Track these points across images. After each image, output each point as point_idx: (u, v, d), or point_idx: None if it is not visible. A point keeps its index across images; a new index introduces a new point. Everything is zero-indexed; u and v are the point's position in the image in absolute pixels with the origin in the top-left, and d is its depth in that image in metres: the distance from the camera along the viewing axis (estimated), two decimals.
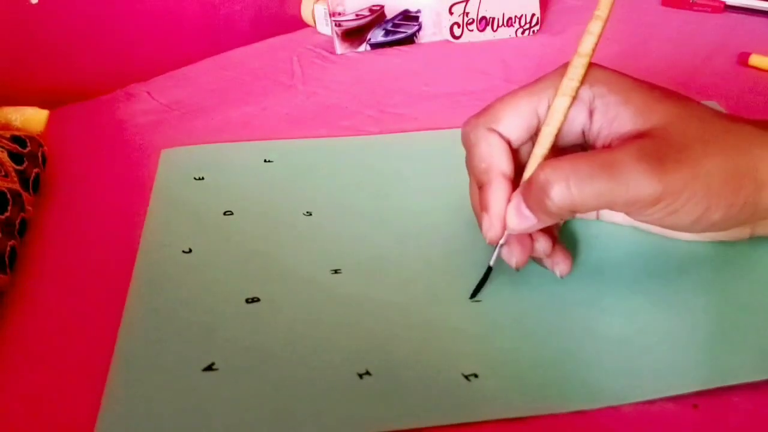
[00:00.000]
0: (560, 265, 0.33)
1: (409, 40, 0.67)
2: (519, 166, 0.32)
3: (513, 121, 0.32)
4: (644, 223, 0.31)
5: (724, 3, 0.73)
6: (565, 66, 0.31)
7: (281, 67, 0.62)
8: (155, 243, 0.37)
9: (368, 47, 0.66)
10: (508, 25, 0.67)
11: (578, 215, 0.32)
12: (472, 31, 0.67)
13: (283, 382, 0.29)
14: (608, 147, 0.30)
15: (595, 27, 0.30)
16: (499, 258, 0.33)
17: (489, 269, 0.33)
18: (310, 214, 0.40)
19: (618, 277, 0.34)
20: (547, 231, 0.32)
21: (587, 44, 0.30)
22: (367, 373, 0.29)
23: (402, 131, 0.49)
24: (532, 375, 0.29)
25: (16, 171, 0.38)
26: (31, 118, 0.43)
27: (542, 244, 0.32)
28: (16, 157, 0.39)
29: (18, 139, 0.40)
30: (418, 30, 0.67)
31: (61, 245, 0.38)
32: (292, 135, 0.49)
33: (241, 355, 0.30)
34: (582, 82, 0.31)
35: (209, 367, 0.29)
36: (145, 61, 0.60)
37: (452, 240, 0.37)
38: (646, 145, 0.28)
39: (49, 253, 0.37)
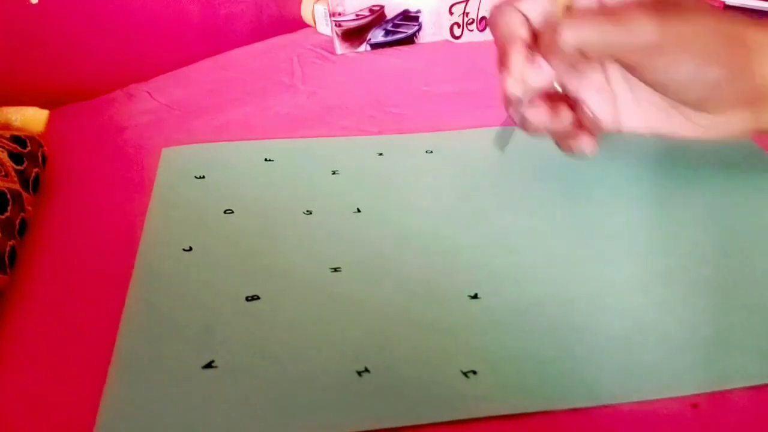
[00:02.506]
0: (585, 141, 0.36)
1: (409, 40, 0.67)
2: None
3: (532, 3, 0.35)
4: (648, 83, 0.34)
5: (724, 3, 0.73)
6: None
7: (281, 67, 0.62)
8: (156, 241, 0.37)
9: (368, 47, 0.66)
10: None
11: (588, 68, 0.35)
12: (472, 31, 0.67)
13: (282, 380, 0.29)
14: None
15: None
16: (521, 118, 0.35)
17: (512, 122, 0.36)
18: (310, 213, 0.40)
19: (618, 276, 0.34)
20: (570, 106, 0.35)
21: None
22: (366, 370, 0.29)
23: (402, 131, 0.49)
24: (531, 372, 0.29)
25: (16, 171, 0.38)
26: (31, 118, 0.43)
27: (565, 114, 0.35)
28: (16, 157, 0.39)
29: (18, 139, 0.40)
30: (418, 30, 0.67)
31: (61, 245, 0.38)
32: (292, 135, 0.49)
33: (241, 352, 0.30)
34: None
35: (209, 365, 0.29)
36: (145, 61, 0.60)
37: (452, 239, 0.37)
38: (647, 1, 0.32)
39: (49, 253, 0.37)
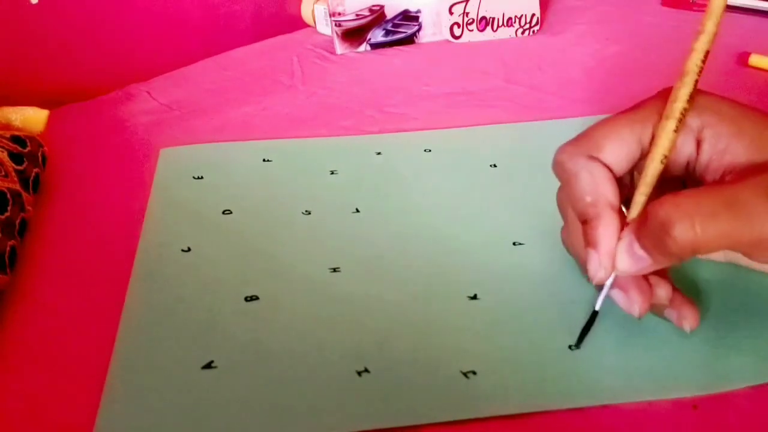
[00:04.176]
0: (688, 318, 0.29)
1: (409, 40, 0.67)
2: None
3: (615, 150, 0.29)
4: (754, 261, 0.28)
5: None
6: (668, 90, 0.29)
7: (281, 67, 0.62)
8: (154, 242, 0.37)
9: (368, 47, 0.66)
10: (508, 25, 0.67)
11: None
12: (472, 31, 0.67)
13: (281, 380, 0.29)
14: (724, 182, 0.28)
15: (701, 43, 0.28)
16: (605, 300, 0.30)
17: (595, 313, 0.30)
18: (309, 213, 0.40)
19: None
20: (660, 275, 0.30)
21: (693, 61, 0.28)
22: (366, 370, 0.29)
23: (402, 131, 0.49)
24: (531, 372, 0.29)
25: (16, 171, 0.38)
26: (31, 118, 0.43)
27: (663, 290, 0.29)
28: (16, 157, 0.39)
29: (18, 139, 0.40)
30: (418, 30, 0.67)
31: (61, 245, 0.38)
32: (292, 135, 0.49)
33: (240, 353, 0.30)
34: (690, 105, 0.28)
35: (208, 365, 0.29)
36: (145, 61, 0.60)
37: (451, 238, 0.37)
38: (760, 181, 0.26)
39: (49, 253, 0.37)
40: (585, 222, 0.29)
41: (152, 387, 0.28)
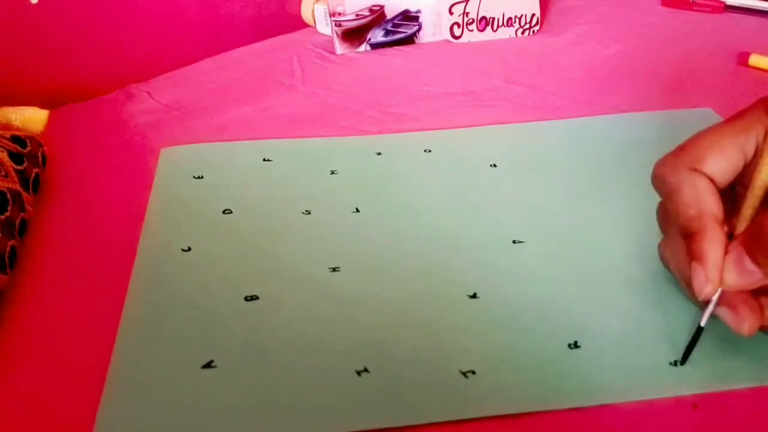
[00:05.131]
0: None
1: (409, 40, 0.67)
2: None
3: (718, 161, 0.29)
4: None
5: (724, 3, 0.73)
6: None
7: (281, 67, 0.62)
8: (155, 241, 0.37)
9: (368, 47, 0.66)
10: (508, 25, 0.67)
11: None
12: (472, 31, 0.67)
13: (281, 380, 0.29)
14: None
15: None
16: (711, 316, 0.29)
17: (700, 329, 0.29)
18: (309, 213, 0.40)
19: (618, 276, 0.34)
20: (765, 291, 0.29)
21: None
22: (365, 370, 0.29)
23: (402, 131, 0.49)
24: (531, 372, 0.29)
25: (16, 171, 0.38)
26: (31, 118, 0.43)
27: None
28: (16, 157, 0.39)
29: (18, 139, 0.40)
30: (418, 30, 0.67)
31: (61, 245, 0.38)
32: (292, 135, 0.49)
33: (240, 352, 0.30)
34: None
35: (208, 365, 0.29)
36: (145, 61, 0.60)
37: (451, 238, 0.37)
38: None
39: (49, 253, 0.37)
40: (689, 236, 0.28)
41: (152, 387, 0.28)
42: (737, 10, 0.72)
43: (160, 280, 0.34)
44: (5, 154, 0.38)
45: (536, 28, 0.68)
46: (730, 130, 0.29)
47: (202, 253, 0.36)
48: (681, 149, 0.30)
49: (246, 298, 0.33)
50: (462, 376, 0.29)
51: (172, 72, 0.61)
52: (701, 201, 0.28)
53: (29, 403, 0.28)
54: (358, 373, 0.29)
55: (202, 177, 0.43)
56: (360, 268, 0.35)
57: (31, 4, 0.53)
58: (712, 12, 0.73)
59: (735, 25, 0.69)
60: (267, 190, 0.42)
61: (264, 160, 0.45)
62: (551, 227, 0.38)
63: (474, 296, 0.33)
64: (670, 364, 0.29)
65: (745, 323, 0.28)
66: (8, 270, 0.34)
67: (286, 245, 0.37)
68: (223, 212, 0.40)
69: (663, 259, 0.33)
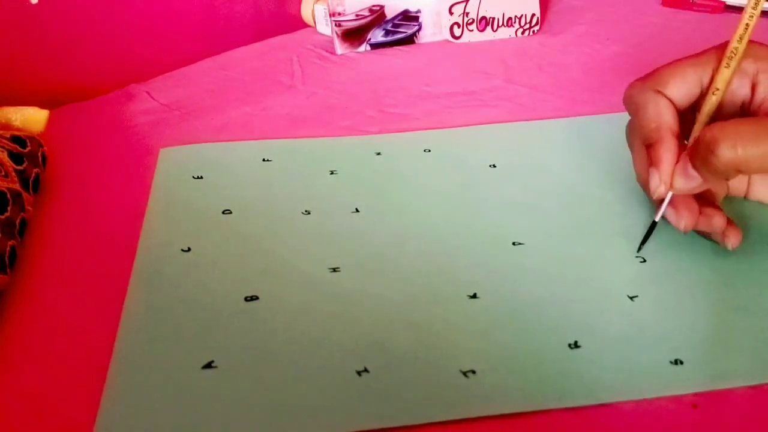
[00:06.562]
0: (731, 238, 0.34)
1: (409, 40, 0.67)
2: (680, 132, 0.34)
3: (679, 87, 0.34)
4: None
5: (724, 3, 0.73)
6: (728, 42, 0.34)
7: (281, 67, 0.62)
8: (154, 242, 0.37)
9: (368, 47, 0.66)
10: (508, 25, 0.67)
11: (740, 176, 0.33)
12: (472, 31, 0.67)
13: (281, 380, 0.29)
14: None
15: None
16: (663, 215, 0.34)
17: (654, 224, 0.35)
18: (309, 213, 0.40)
19: (618, 276, 0.34)
20: (716, 207, 0.34)
21: (748, 6, 0.33)
22: (366, 370, 0.29)
23: (402, 131, 0.49)
24: (531, 372, 0.29)
25: (16, 171, 0.38)
26: (31, 118, 0.43)
27: (718, 221, 0.34)
28: (16, 157, 0.39)
29: (18, 139, 0.40)
30: (418, 30, 0.67)
31: (61, 245, 0.38)
32: (292, 135, 0.49)
33: (240, 352, 0.30)
34: (746, 48, 0.33)
35: (208, 365, 0.29)
36: (145, 61, 0.60)
37: (451, 238, 0.37)
38: None
39: (49, 253, 0.37)
40: (649, 146, 0.34)
41: (152, 387, 0.28)
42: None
43: (160, 280, 0.34)
44: (5, 154, 0.38)
45: (536, 28, 0.68)
46: (691, 63, 0.35)
47: (202, 253, 0.36)
48: (648, 75, 0.35)
49: (246, 298, 0.33)
50: (462, 376, 0.29)
51: (172, 72, 0.61)
52: (661, 117, 0.34)
53: (29, 403, 0.28)
54: (359, 373, 0.29)
55: (202, 177, 0.43)
56: (360, 268, 0.35)
57: (31, 4, 0.53)
58: (712, 12, 0.73)
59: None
60: (267, 190, 0.42)
61: (264, 160, 0.45)
62: (551, 227, 0.38)
63: (474, 296, 0.33)
64: (671, 363, 0.29)
65: (683, 220, 0.34)
66: (8, 270, 0.34)
67: (286, 245, 0.37)
68: (223, 212, 0.40)
69: (636, 167, 0.37)
